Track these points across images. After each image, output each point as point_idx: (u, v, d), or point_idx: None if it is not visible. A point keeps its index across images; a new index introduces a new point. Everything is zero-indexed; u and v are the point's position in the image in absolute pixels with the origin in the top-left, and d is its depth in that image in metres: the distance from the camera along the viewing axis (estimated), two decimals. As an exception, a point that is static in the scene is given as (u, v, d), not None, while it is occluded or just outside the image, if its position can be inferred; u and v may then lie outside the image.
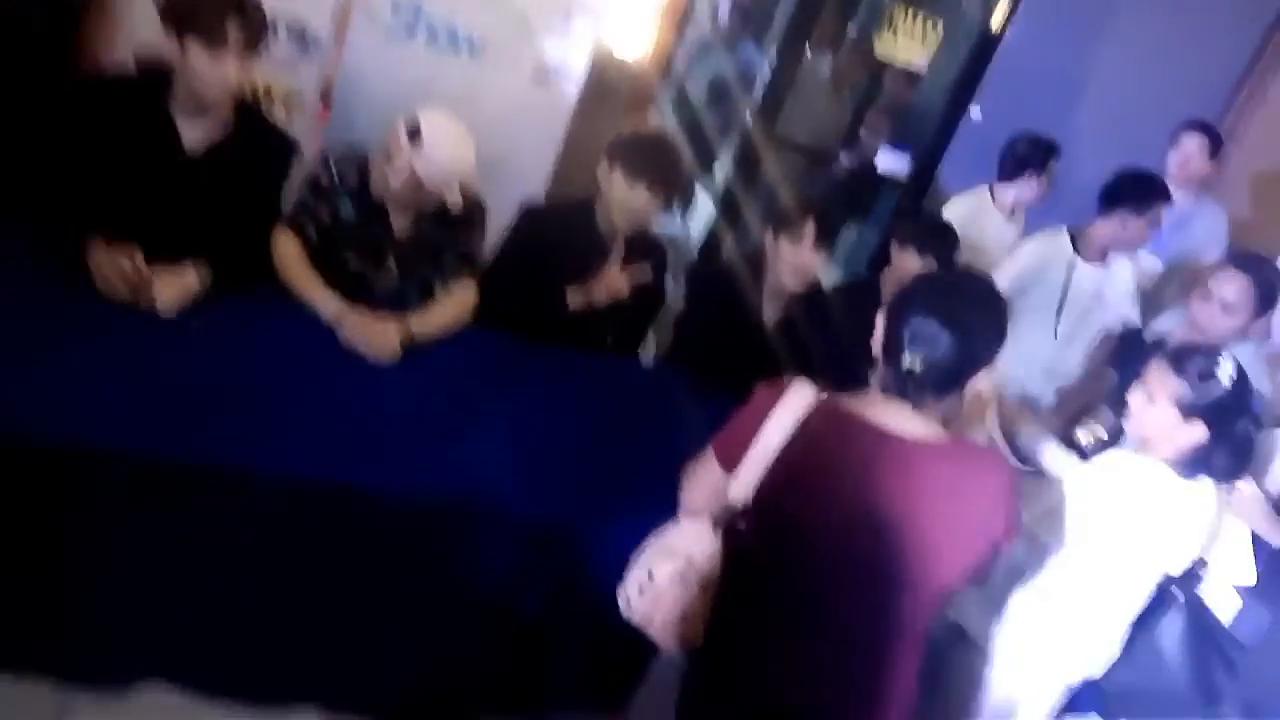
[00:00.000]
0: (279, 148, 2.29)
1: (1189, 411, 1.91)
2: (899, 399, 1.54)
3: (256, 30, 2.09)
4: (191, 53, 2.02)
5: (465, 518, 1.90)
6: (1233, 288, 2.56)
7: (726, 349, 2.58)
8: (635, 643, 1.68)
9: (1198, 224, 3.58)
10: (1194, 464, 1.94)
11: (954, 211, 3.49)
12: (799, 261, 2.56)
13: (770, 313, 2.70)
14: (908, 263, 2.77)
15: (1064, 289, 3.19)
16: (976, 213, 3.47)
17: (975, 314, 1.55)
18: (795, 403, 1.56)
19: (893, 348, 1.53)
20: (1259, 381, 2.56)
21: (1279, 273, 2.69)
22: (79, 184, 2.05)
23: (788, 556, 1.58)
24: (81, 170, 2.06)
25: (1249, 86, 4.70)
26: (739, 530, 1.61)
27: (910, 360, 1.50)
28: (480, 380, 2.20)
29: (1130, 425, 2.04)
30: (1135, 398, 2.00)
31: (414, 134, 2.16)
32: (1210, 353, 1.95)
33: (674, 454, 2.17)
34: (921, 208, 4.18)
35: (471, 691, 1.98)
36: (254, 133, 2.23)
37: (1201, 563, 2.05)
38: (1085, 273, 3.20)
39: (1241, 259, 2.68)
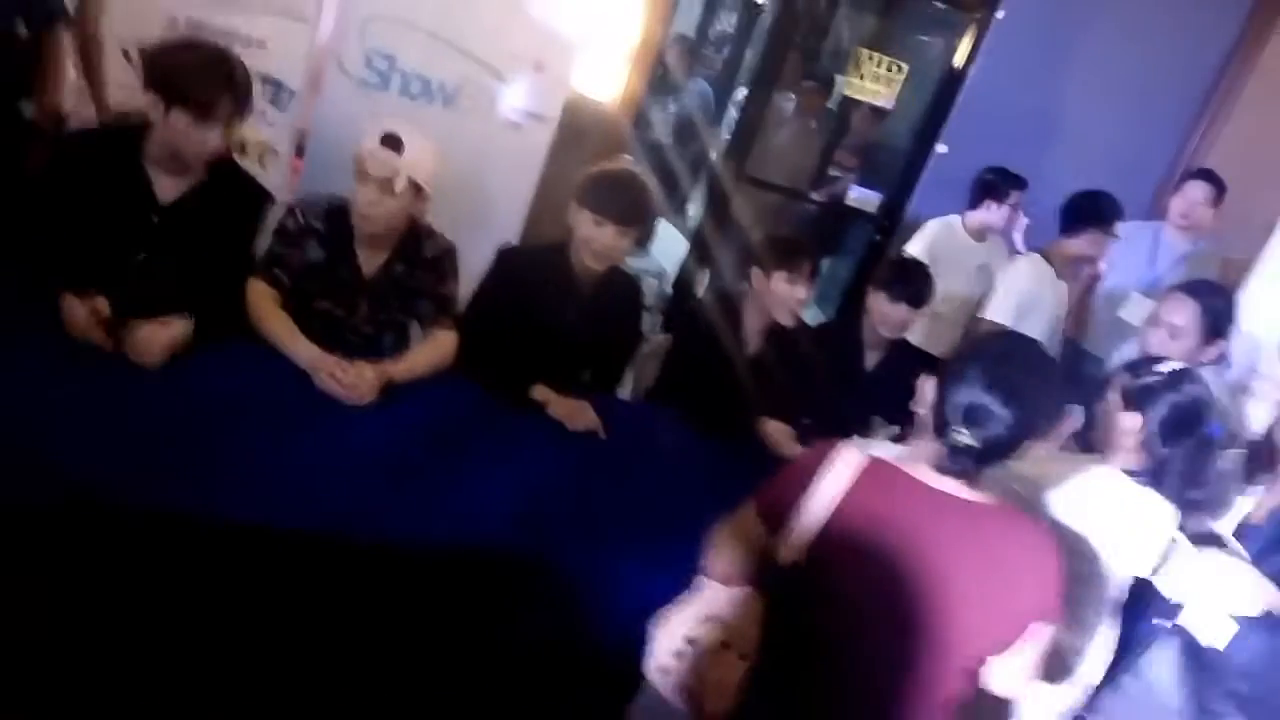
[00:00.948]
0: (252, 198, 2.31)
1: (1127, 400, 1.99)
2: (949, 473, 1.52)
3: (244, 99, 2.13)
4: (176, 119, 2.05)
5: (452, 561, 1.90)
6: (1181, 313, 2.59)
7: (714, 384, 2.62)
8: (620, 683, 1.67)
9: (1192, 264, 3.64)
10: (1151, 476, 1.97)
11: (922, 236, 3.72)
12: (794, 297, 2.67)
13: (754, 347, 2.74)
14: (882, 306, 2.81)
15: (1055, 310, 3.35)
16: (943, 236, 3.68)
17: (1034, 386, 1.50)
18: (846, 463, 1.54)
19: (945, 422, 1.50)
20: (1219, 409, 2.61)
21: (1230, 301, 2.73)
22: (53, 235, 2.06)
23: (832, 618, 1.54)
24: (55, 221, 2.07)
25: (1205, 122, 4.83)
26: (782, 592, 1.57)
27: (966, 436, 1.47)
28: (463, 422, 2.20)
29: (1095, 436, 2.11)
30: (1100, 408, 2.08)
31: (394, 142, 2.20)
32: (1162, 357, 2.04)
33: (666, 491, 2.23)
34: (889, 247, 4.26)
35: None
36: (227, 184, 2.24)
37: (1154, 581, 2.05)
38: (1062, 291, 3.34)
39: (1192, 285, 2.70)
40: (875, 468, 1.55)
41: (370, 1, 2.90)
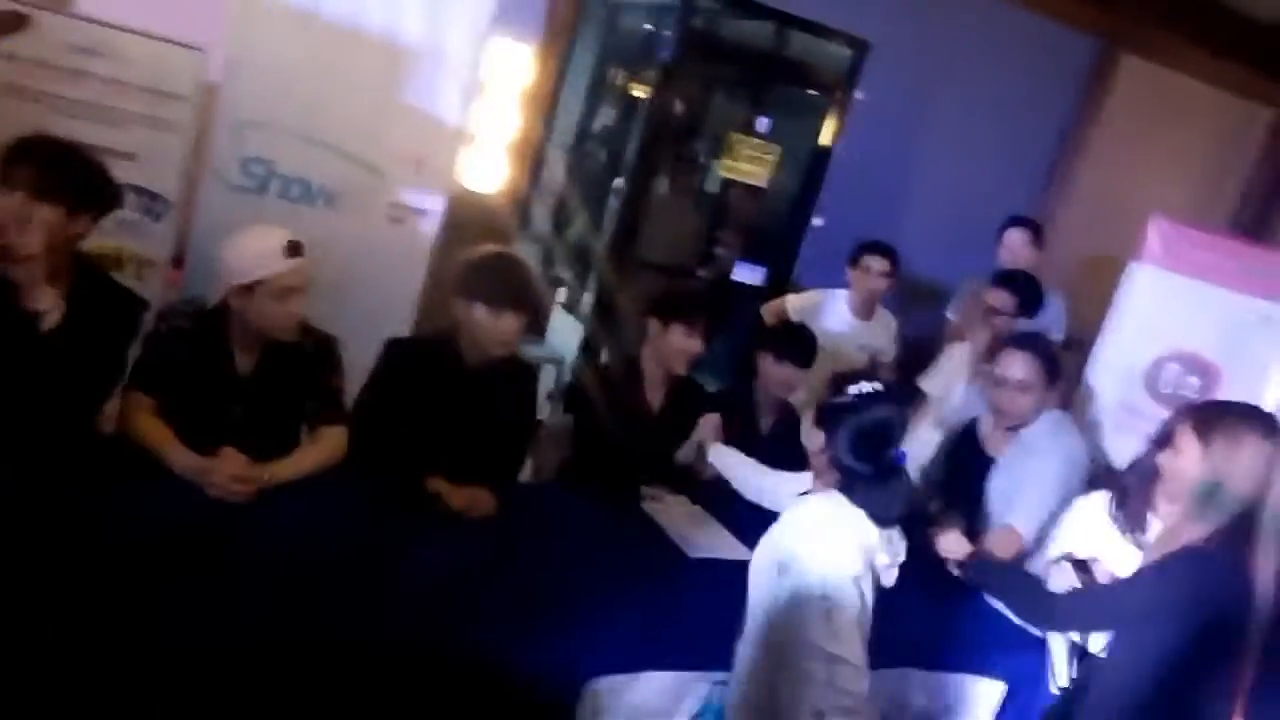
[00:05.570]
0: (125, 307, 2.26)
1: (817, 419, 1.97)
2: None
3: (84, 181, 2.10)
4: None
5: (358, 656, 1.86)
6: (1020, 368, 2.70)
7: (618, 448, 2.68)
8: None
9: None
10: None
11: (795, 302, 3.86)
12: (690, 348, 2.75)
13: (656, 402, 2.80)
14: (769, 367, 2.90)
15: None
16: (819, 306, 3.80)
17: None
18: None
19: None
20: (1072, 447, 2.73)
21: (1052, 345, 2.94)
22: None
23: None
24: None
25: (1058, 178, 5.20)
26: None
27: None
28: (354, 520, 2.17)
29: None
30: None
31: (297, 248, 2.25)
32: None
33: (571, 571, 2.26)
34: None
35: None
36: (97, 292, 2.20)
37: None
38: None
39: (1020, 339, 2.85)
40: None
41: (244, 108, 2.92)
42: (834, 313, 3.77)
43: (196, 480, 2.08)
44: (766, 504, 2.38)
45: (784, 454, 2.96)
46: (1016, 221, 3.93)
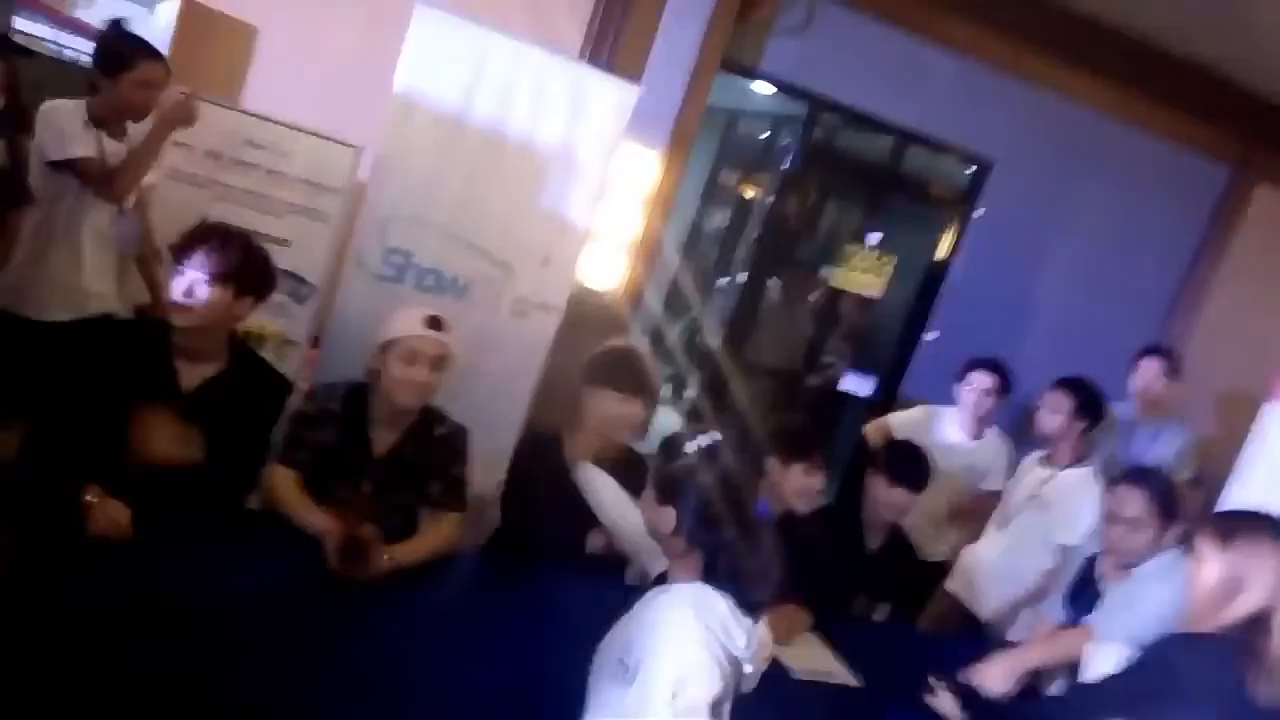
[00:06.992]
0: (272, 386, 2.40)
1: (660, 493, 1.71)
2: None
3: (248, 265, 2.25)
4: (182, 278, 2.17)
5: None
6: (1132, 504, 2.59)
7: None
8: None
9: (1164, 443, 3.69)
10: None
11: (901, 420, 3.78)
12: (812, 487, 2.73)
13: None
14: (881, 489, 2.85)
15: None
16: (923, 422, 3.71)
17: None
18: None
19: None
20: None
21: (1173, 484, 2.75)
22: (77, 425, 2.11)
23: None
24: (81, 410, 2.13)
25: (1184, 308, 5.06)
26: None
27: None
28: (475, 607, 2.21)
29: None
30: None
31: (437, 322, 2.39)
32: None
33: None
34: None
35: None
36: (249, 372, 2.34)
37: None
38: None
39: (1135, 475, 2.72)
40: None
41: (389, 203, 3.10)
42: (941, 431, 3.70)
43: (327, 546, 2.14)
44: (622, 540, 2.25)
45: (893, 575, 2.92)
46: (1153, 350, 3.81)
